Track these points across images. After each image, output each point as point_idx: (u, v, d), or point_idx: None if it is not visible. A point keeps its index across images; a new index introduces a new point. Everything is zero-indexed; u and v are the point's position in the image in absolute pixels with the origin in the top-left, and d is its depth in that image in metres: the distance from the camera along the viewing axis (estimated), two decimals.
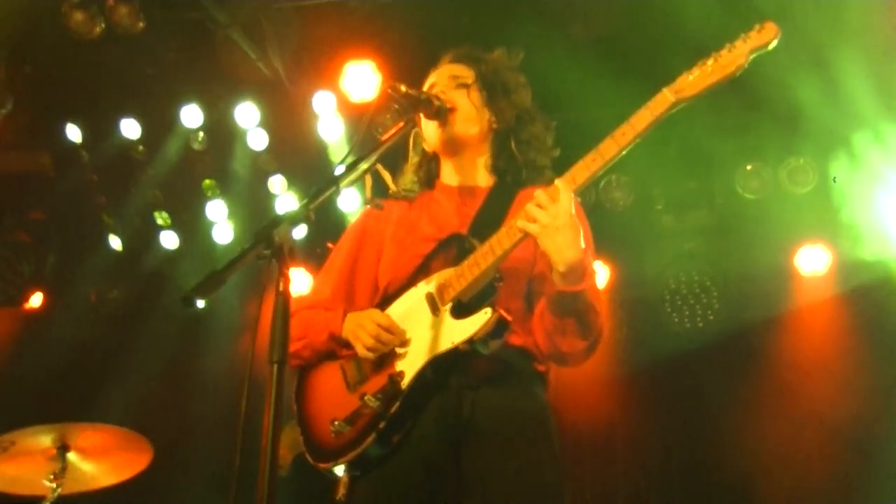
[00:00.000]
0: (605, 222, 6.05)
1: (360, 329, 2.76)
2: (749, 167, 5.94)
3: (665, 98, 2.52)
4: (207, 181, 6.53)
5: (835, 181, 5.70)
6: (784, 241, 6.08)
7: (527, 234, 2.58)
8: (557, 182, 2.58)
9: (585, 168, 2.57)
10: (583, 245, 2.58)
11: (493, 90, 3.03)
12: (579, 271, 2.57)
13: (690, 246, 6.30)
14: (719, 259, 6.26)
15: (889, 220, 5.67)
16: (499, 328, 2.59)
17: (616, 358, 6.13)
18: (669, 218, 6.27)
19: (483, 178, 3.06)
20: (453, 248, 2.79)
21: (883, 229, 5.70)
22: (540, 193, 2.57)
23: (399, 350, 2.74)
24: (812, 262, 6.07)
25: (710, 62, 2.51)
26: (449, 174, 3.09)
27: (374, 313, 2.80)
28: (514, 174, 3.02)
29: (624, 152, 2.55)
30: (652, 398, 6.36)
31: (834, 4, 4.96)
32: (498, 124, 3.03)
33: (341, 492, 2.68)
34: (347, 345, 2.83)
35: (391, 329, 2.74)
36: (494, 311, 2.58)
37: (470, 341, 2.60)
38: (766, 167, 5.92)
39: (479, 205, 2.96)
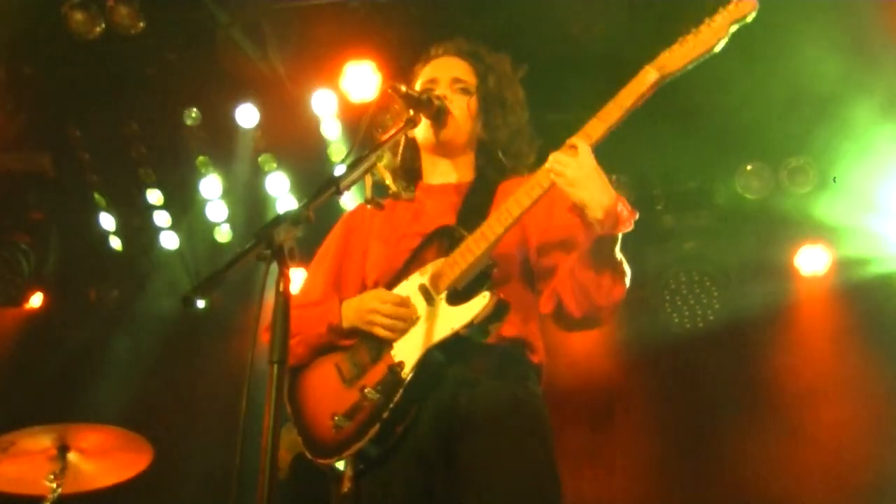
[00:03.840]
0: None
1: (373, 313, 2.77)
2: (749, 167, 5.93)
3: (648, 74, 2.56)
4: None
5: (835, 181, 5.70)
6: (784, 241, 6.08)
7: (523, 213, 2.65)
8: (573, 140, 2.61)
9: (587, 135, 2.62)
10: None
11: (491, 104, 3.08)
12: (614, 215, 2.59)
13: (690, 246, 6.29)
14: (719, 259, 6.25)
15: (889, 220, 5.67)
16: (498, 311, 2.63)
17: (616, 358, 6.13)
18: (669, 218, 6.26)
19: (466, 175, 3.11)
20: (444, 240, 2.81)
21: (883, 229, 5.70)
22: (558, 153, 2.62)
23: (396, 341, 2.75)
24: (812, 262, 6.07)
25: (690, 37, 2.54)
26: (432, 172, 3.14)
27: (380, 292, 2.82)
28: (496, 171, 3.09)
29: (610, 132, 2.60)
30: (652, 398, 6.35)
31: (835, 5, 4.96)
32: (488, 136, 3.08)
33: (346, 485, 2.69)
34: (348, 335, 2.84)
35: (405, 303, 2.76)
36: (493, 294, 2.62)
37: (470, 325, 2.62)
38: (766, 167, 5.92)
39: (462, 198, 3.00)
